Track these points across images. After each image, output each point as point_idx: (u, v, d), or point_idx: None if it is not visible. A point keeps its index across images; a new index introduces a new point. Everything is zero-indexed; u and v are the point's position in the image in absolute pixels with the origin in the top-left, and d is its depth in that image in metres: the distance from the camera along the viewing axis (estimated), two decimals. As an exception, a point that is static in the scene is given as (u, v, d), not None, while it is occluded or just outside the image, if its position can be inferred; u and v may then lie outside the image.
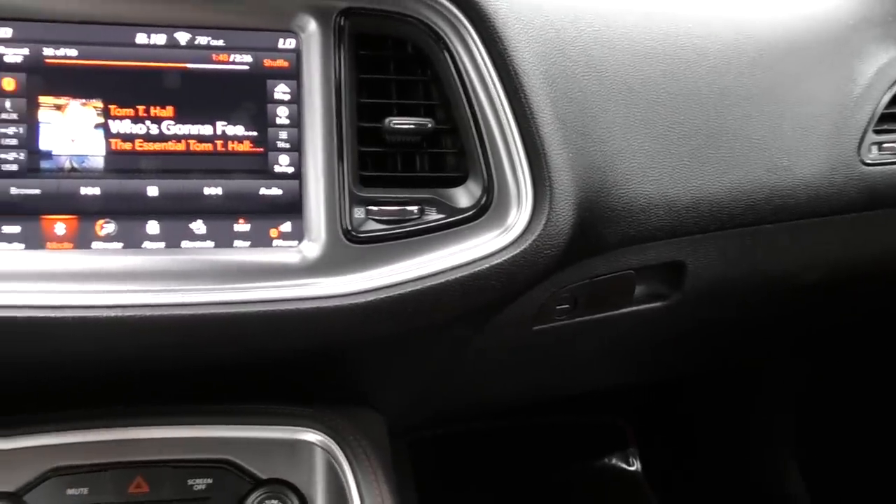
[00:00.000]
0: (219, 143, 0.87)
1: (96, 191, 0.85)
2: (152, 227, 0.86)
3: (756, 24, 1.10)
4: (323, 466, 0.95)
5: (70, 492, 0.90)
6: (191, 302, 0.83)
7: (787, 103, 1.08)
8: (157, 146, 0.86)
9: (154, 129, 0.86)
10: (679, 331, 1.27)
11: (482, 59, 0.90)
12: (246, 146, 0.88)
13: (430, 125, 0.90)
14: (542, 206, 0.89)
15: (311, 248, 0.88)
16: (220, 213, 0.87)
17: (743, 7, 1.12)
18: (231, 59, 0.88)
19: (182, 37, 0.87)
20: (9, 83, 0.83)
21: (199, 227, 0.87)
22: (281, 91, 0.89)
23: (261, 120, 0.88)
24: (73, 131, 0.85)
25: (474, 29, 0.89)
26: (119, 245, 0.85)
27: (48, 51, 0.84)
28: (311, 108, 0.88)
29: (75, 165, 0.85)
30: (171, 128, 0.86)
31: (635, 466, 1.97)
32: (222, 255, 0.87)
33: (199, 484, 0.92)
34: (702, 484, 1.92)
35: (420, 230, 0.89)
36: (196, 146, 0.87)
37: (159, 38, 0.86)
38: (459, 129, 0.91)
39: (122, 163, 0.86)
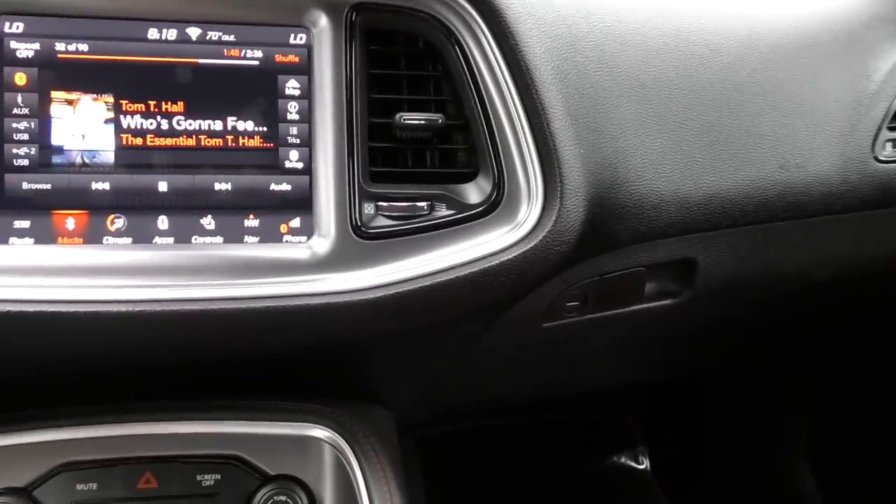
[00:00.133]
0: (229, 138, 0.87)
1: (107, 186, 0.85)
2: (162, 222, 0.86)
3: (769, 20, 1.09)
4: (332, 463, 0.95)
5: (79, 487, 0.90)
6: (200, 297, 0.83)
7: (801, 100, 1.07)
8: (168, 141, 0.86)
9: (165, 125, 0.86)
10: (690, 328, 1.26)
11: (493, 54, 0.89)
12: (256, 141, 0.88)
13: (440, 121, 0.90)
14: (553, 203, 0.88)
15: (321, 243, 0.88)
16: (230, 208, 0.87)
17: (756, 3, 1.11)
18: (242, 55, 0.88)
19: (193, 32, 0.87)
20: (21, 78, 0.83)
21: (209, 222, 0.87)
22: (292, 86, 0.88)
23: (271, 115, 0.88)
24: (85, 126, 0.85)
25: (485, 24, 0.89)
26: (129, 240, 0.86)
27: (60, 46, 0.84)
28: (321, 103, 0.88)
29: (86, 160, 0.85)
30: (181, 123, 0.86)
31: (644, 465, 1.97)
32: (232, 251, 0.87)
33: (208, 479, 0.92)
34: (711, 483, 1.91)
35: (430, 226, 0.89)
36: (207, 141, 0.87)
37: (171, 34, 0.86)
38: (470, 125, 0.91)
39: (132, 158, 0.86)
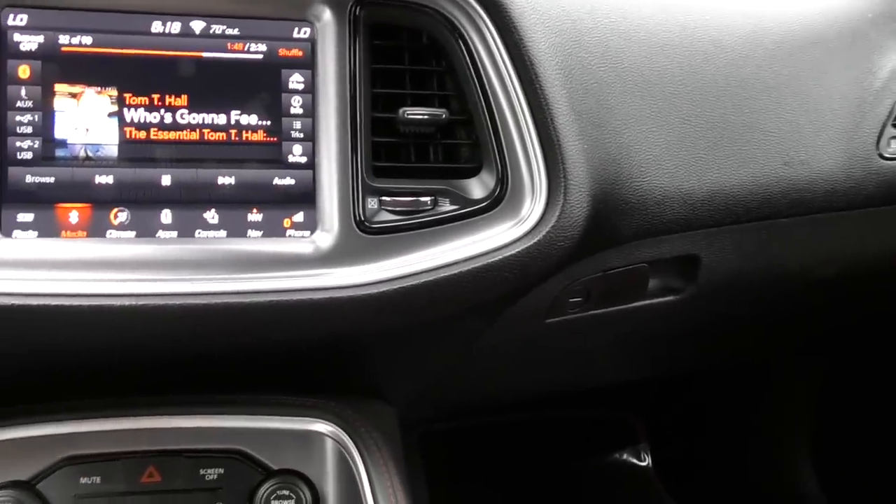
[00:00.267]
0: (233, 132, 0.87)
1: (110, 179, 0.85)
2: (166, 216, 0.86)
3: (774, 16, 1.09)
4: (334, 457, 0.95)
5: (83, 480, 0.90)
6: (203, 291, 0.83)
7: (806, 96, 1.07)
8: (172, 135, 0.86)
9: (168, 118, 0.86)
10: (693, 325, 1.26)
11: (497, 49, 0.89)
12: (260, 136, 0.88)
13: (444, 116, 0.90)
14: (557, 198, 0.88)
15: (324, 238, 0.88)
16: (234, 202, 0.87)
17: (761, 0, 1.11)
18: (246, 48, 0.87)
19: (197, 25, 0.87)
20: (24, 71, 0.83)
21: (212, 216, 0.87)
22: (295, 80, 0.88)
23: (275, 109, 0.88)
24: (88, 120, 0.85)
25: (490, 19, 0.89)
26: (133, 234, 0.86)
27: (63, 38, 0.84)
28: (325, 97, 0.88)
29: (90, 154, 0.85)
30: (185, 117, 0.86)
31: (646, 462, 1.97)
32: (235, 245, 0.87)
33: (211, 474, 0.92)
34: (713, 481, 1.91)
35: (433, 221, 0.89)
36: (210, 135, 0.87)
37: (174, 27, 0.86)
38: (474, 120, 0.90)
39: (136, 151, 0.86)
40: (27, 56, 0.83)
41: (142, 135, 0.86)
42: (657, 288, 1.12)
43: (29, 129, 0.83)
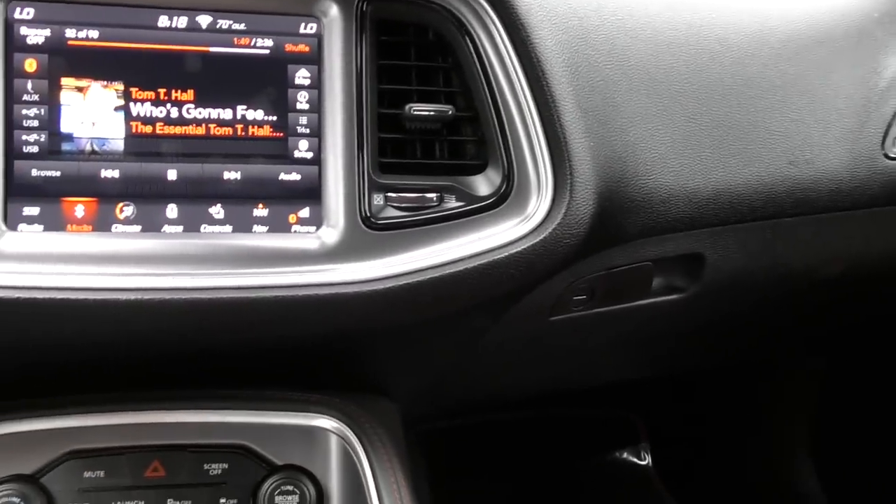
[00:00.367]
0: (239, 127, 0.87)
1: (116, 174, 0.85)
2: (171, 210, 0.86)
3: (781, 14, 1.09)
4: (338, 453, 0.95)
5: (87, 475, 0.90)
6: (209, 286, 0.83)
7: (811, 95, 1.07)
8: (178, 129, 0.86)
9: (174, 113, 0.86)
10: (696, 324, 1.26)
11: (504, 46, 0.89)
12: (266, 131, 0.88)
13: (450, 112, 0.89)
14: (563, 195, 0.88)
15: (330, 234, 0.88)
16: (239, 197, 0.87)
17: (767, -2, 1.11)
18: (252, 43, 0.87)
19: (204, 20, 0.86)
20: (31, 64, 0.83)
21: (217, 211, 0.87)
22: (302, 76, 0.88)
23: (281, 105, 0.88)
24: (94, 114, 0.85)
25: (497, 15, 0.89)
26: (138, 228, 0.85)
27: (70, 32, 0.84)
28: (331, 93, 0.88)
29: (96, 148, 0.85)
30: (191, 111, 0.86)
31: (647, 461, 1.97)
32: (241, 240, 0.87)
33: (215, 469, 0.92)
34: (713, 480, 1.91)
35: (439, 218, 0.89)
36: (216, 130, 0.87)
37: (181, 21, 0.86)
38: (480, 117, 0.90)
39: (142, 146, 0.86)
40: (34, 50, 0.83)
41: (148, 129, 0.86)
42: (661, 286, 1.12)
43: (35, 123, 0.83)
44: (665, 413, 1.97)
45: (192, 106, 0.86)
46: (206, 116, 0.87)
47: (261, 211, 0.88)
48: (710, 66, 1.02)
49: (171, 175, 0.86)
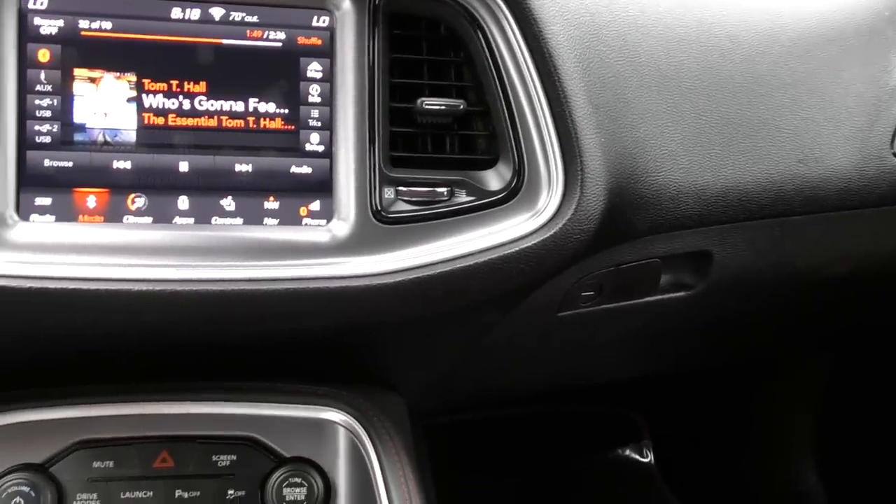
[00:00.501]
0: (250, 119, 0.87)
1: (128, 165, 0.85)
2: (183, 202, 0.86)
3: (791, 12, 1.09)
4: (346, 446, 0.95)
5: (96, 465, 0.90)
6: (219, 278, 0.83)
7: (821, 93, 1.07)
8: (190, 121, 0.86)
9: (187, 105, 0.86)
10: (703, 322, 1.26)
11: (516, 40, 0.89)
12: (277, 123, 0.88)
13: (461, 107, 0.90)
14: (573, 191, 0.88)
15: (340, 227, 0.88)
16: (251, 190, 0.87)
17: (778, -5, 1.11)
18: (265, 36, 0.87)
19: (217, 12, 0.87)
20: (44, 55, 0.83)
21: (228, 203, 0.87)
22: (314, 69, 0.88)
23: (293, 97, 0.88)
24: (107, 104, 0.85)
25: (509, 10, 0.89)
26: (149, 219, 0.86)
27: (83, 23, 0.84)
28: (343, 86, 0.88)
29: (108, 139, 0.85)
30: (203, 103, 0.86)
31: (649, 458, 1.97)
32: (251, 233, 0.87)
33: (224, 460, 0.92)
34: (715, 477, 1.91)
35: (449, 212, 0.89)
36: (228, 122, 0.87)
37: (194, 13, 0.86)
38: (491, 112, 0.90)
39: (154, 137, 0.86)
40: (47, 40, 0.83)
41: (160, 121, 0.86)
42: (669, 283, 1.12)
43: (48, 113, 0.83)
44: (667, 411, 1.97)
45: (204, 98, 0.86)
46: (218, 108, 0.87)
47: (272, 203, 0.88)
48: (720, 63, 1.02)
49: (183, 167, 0.86)
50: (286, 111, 0.88)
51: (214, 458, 0.92)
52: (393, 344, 1.02)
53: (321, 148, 0.89)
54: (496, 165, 0.91)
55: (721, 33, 1.04)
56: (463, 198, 0.90)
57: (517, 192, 0.90)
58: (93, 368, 0.92)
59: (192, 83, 0.86)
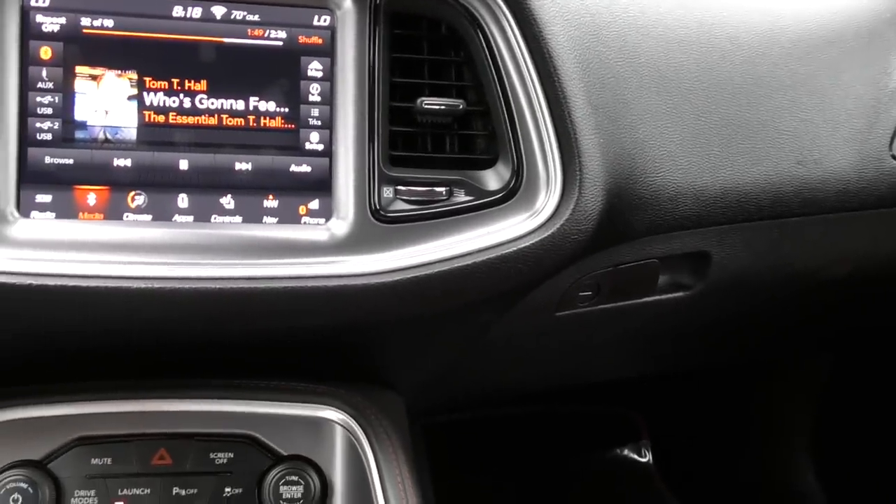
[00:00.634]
0: (251, 118, 0.88)
1: (128, 162, 0.85)
2: (182, 200, 0.86)
3: (792, 14, 1.09)
4: (343, 445, 0.95)
5: (94, 461, 0.90)
6: (218, 276, 0.83)
7: (821, 95, 1.07)
8: (190, 119, 0.86)
9: (187, 103, 0.86)
10: (701, 322, 1.27)
11: (516, 41, 0.89)
12: (278, 122, 0.88)
13: (461, 106, 0.90)
14: (572, 191, 0.89)
15: (339, 226, 0.88)
16: (250, 188, 0.88)
17: (778, -2, 1.11)
18: (266, 35, 0.88)
19: (218, 10, 0.87)
20: (46, 52, 0.84)
21: (228, 201, 0.87)
22: (314, 68, 0.89)
23: (293, 96, 0.88)
24: (108, 102, 0.85)
25: (509, 10, 0.89)
26: (149, 217, 0.86)
27: (85, 21, 0.84)
28: (343, 85, 0.88)
29: (109, 136, 0.85)
30: (204, 101, 0.87)
31: (647, 458, 1.97)
32: (251, 231, 0.87)
33: (221, 458, 0.93)
34: (713, 477, 1.91)
35: (448, 211, 0.89)
36: (228, 121, 0.87)
37: (196, 12, 0.86)
38: (490, 112, 0.91)
39: (154, 135, 0.86)
40: (49, 37, 0.83)
41: (161, 118, 0.86)
42: (667, 284, 1.12)
43: (49, 111, 0.84)
44: (666, 410, 1.97)
45: (204, 96, 0.86)
46: (219, 107, 0.87)
47: (271, 202, 0.88)
48: (720, 65, 1.02)
49: (183, 165, 0.86)
50: (286, 110, 0.88)
51: (212, 455, 0.92)
52: (391, 343, 1.02)
53: (321, 147, 0.89)
54: (495, 165, 0.91)
55: (721, 34, 1.04)
56: (461, 197, 0.90)
57: (516, 192, 0.90)
58: (92, 365, 0.93)
59: (192, 81, 0.86)
